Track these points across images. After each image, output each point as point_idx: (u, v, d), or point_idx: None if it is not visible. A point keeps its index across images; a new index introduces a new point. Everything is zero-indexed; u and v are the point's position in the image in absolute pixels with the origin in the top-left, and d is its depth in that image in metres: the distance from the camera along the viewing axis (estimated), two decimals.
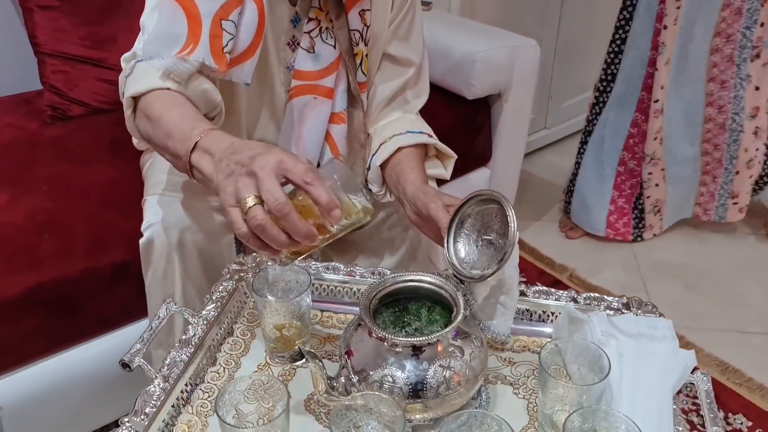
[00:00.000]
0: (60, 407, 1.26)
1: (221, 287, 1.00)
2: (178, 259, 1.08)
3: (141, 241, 1.08)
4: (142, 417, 0.79)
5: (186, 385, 0.86)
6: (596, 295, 0.95)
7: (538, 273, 1.94)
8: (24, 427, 1.23)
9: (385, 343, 0.78)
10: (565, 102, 2.58)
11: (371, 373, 0.78)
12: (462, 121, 1.73)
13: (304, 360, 0.76)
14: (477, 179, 1.84)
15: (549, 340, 0.92)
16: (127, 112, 0.95)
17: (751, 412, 1.50)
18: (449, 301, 0.83)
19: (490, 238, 0.83)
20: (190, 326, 0.92)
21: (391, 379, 0.77)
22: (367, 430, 0.76)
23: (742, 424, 1.47)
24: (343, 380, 0.80)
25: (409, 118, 1.19)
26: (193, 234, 1.08)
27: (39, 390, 1.22)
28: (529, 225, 2.17)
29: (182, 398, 0.85)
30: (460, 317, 0.80)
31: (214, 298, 0.98)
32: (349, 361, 0.80)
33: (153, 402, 0.81)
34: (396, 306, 0.84)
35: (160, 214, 1.07)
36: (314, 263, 1.04)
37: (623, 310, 0.92)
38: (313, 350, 0.77)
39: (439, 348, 0.79)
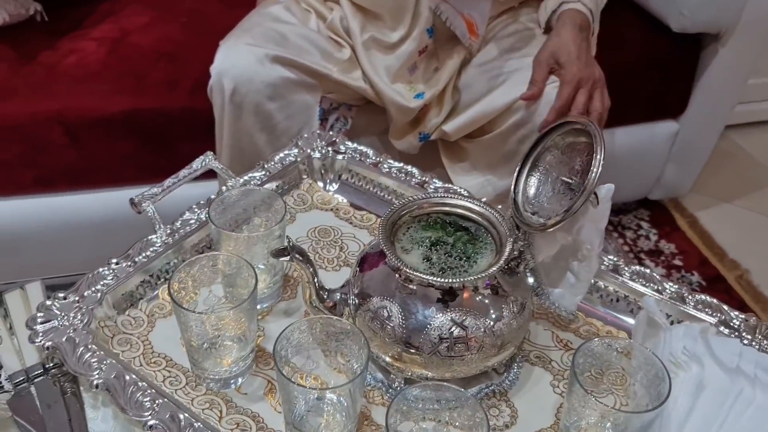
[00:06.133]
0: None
1: (278, 157, 0.89)
2: (229, 110, 1.03)
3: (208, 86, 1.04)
4: (129, 263, 0.72)
5: (192, 247, 0.77)
6: (712, 300, 0.70)
7: (699, 261, 1.61)
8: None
9: (397, 275, 0.63)
10: None
11: (372, 299, 0.64)
12: (658, 57, 1.41)
13: (288, 258, 0.63)
14: (660, 132, 1.53)
15: (625, 336, 0.70)
16: None
17: None
18: (496, 243, 0.65)
19: (570, 181, 0.62)
20: (224, 188, 0.82)
21: (385, 314, 0.62)
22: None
23: None
24: (338, 296, 0.66)
25: None
26: (247, 86, 1.01)
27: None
28: (711, 204, 1.79)
29: (180, 260, 0.76)
30: (496, 267, 0.61)
31: (266, 166, 0.87)
32: (358, 277, 0.66)
33: (149, 252, 0.74)
34: (431, 230, 0.67)
35: (221, 59, 1.03)
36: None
37: (736, 333, 0.67)
38: (302, 247, 0.63)
39: (466, 295, 0.62)
